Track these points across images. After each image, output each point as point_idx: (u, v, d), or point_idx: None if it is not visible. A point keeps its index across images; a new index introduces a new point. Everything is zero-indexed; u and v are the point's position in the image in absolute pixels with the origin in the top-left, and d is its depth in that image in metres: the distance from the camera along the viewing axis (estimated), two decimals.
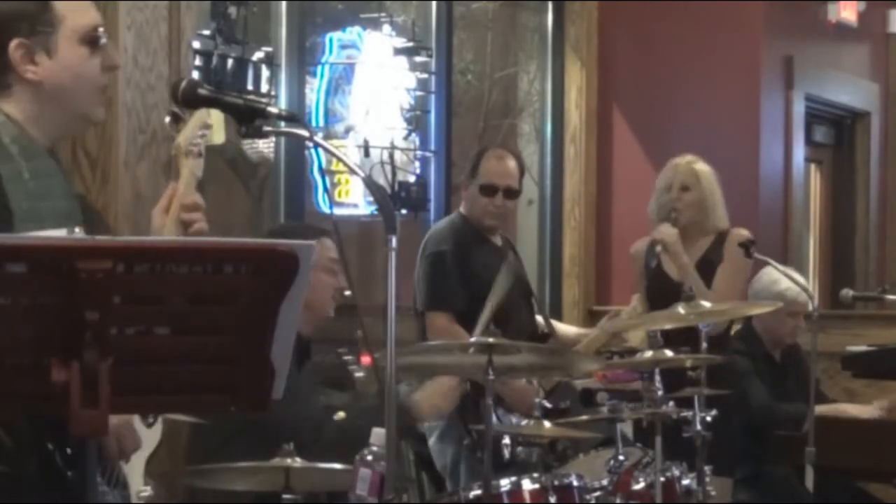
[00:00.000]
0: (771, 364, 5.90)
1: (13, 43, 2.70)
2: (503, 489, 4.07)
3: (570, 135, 7.62)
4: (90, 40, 2.76)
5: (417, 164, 6.92)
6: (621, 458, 4.32)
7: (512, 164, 5.39)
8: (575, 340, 5.51)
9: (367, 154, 6.62)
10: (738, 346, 5.78)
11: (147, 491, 3.46)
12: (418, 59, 6.86)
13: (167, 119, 2.87)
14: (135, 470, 3.33)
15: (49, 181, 2.71)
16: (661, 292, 5.32)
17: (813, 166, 8.82)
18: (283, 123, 2.96)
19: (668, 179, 5.54)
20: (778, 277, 5.74)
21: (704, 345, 4.65)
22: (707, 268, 5.43)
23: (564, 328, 5.84)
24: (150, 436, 3.53)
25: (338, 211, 6.69)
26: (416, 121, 6.89)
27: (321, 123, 6.64)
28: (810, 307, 5.41)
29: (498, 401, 4.89)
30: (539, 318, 5.49)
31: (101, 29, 2.79)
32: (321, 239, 4.27)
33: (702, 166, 5.56)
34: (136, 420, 3.42)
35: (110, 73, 2.84)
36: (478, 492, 4.04)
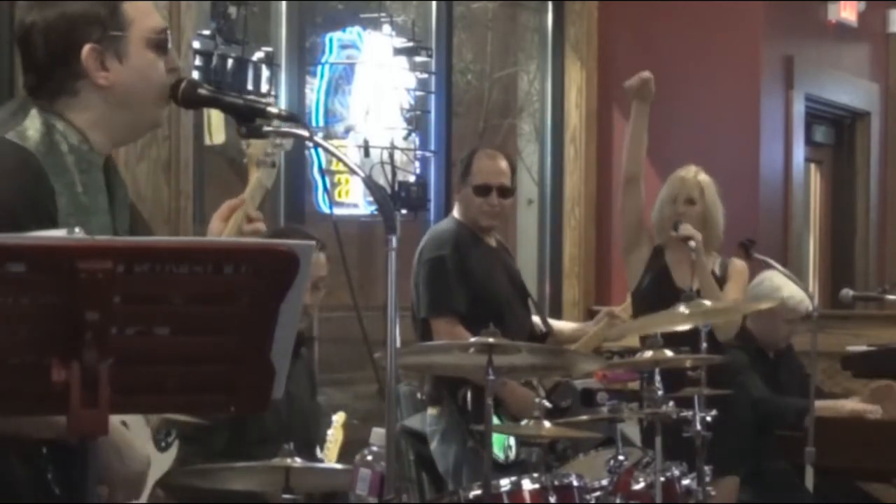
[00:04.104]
0: (763, 360, 5.90)
1: (86, 48, 2.61)
2: (503, 489, 4.07)
3: (570, 135, 7.62)
4: (157, 44, 2.70)
5: (417, 164, 6.91)
6: (621, 458, 4.32)
7: (503, 162, 5.39)
8: (572, 337, 5.51)
9: (367, 154, 6.60)
10: (733, 342, 5.79)
11: None
12: (418, 59, 6.85)
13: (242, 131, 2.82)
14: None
15: (99, 197, 2.65)
16: (659, 293, 5.33)
17: (813, 166, 8.82)
18: (282, 123, 2.95)
19: (674, 191, 5.52)
20: (780, 284, 5.73)
21: (704, 345, 4.65)
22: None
23: (561, 325, 5.83)
24: (161, 460, 3.49)
25: (338, 211, 6.67)
26: (416, 121, 6.88)
27: (321, 123, 6.62)
28: (810, 308, 5.41)
29: (499, 406, 4.89)
30: (536, 319, 5.48)
31: (167, 32, 2.73)
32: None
33: (705, 178, 5.53)
34: (150, 444, 3.37)
35: (173, 75, 2.77)
36: (478, 492, 4.04)
